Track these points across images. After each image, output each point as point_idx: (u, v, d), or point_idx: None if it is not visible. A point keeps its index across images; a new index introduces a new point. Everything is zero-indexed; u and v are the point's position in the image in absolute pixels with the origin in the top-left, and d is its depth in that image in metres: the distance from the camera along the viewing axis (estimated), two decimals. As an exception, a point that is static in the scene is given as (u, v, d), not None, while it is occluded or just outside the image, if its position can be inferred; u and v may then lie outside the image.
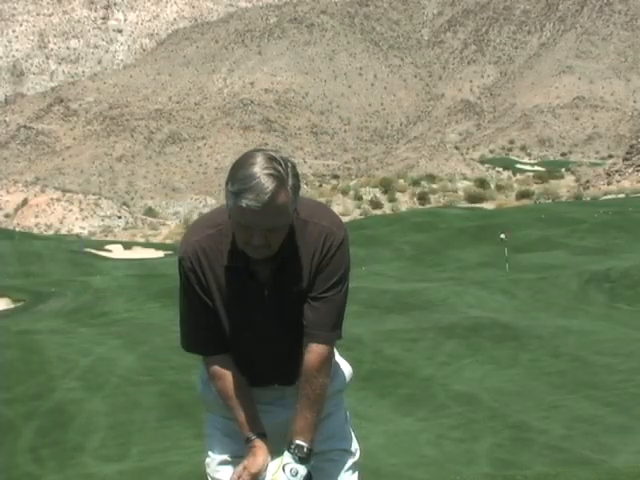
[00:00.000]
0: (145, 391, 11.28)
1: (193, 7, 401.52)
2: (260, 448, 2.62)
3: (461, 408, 9.77)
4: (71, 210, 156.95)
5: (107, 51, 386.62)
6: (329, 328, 2.64)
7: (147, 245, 53.80)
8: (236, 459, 2.71)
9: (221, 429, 2.79)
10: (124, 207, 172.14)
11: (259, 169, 2.41)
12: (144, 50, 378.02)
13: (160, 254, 45.06)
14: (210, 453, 2.81)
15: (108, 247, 48.11)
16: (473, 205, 73.81)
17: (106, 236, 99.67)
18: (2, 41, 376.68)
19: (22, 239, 51.07)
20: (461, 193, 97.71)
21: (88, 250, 45.44)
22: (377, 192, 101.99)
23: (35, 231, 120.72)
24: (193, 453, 8.61)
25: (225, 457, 2.77)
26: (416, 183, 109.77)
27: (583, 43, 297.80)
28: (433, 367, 11.96)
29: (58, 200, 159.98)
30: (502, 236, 26.66)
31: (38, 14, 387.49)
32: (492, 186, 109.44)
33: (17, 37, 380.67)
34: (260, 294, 2.63)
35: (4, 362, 13.23)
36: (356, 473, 2.86)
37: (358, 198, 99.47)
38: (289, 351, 2.67)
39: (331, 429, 2.82)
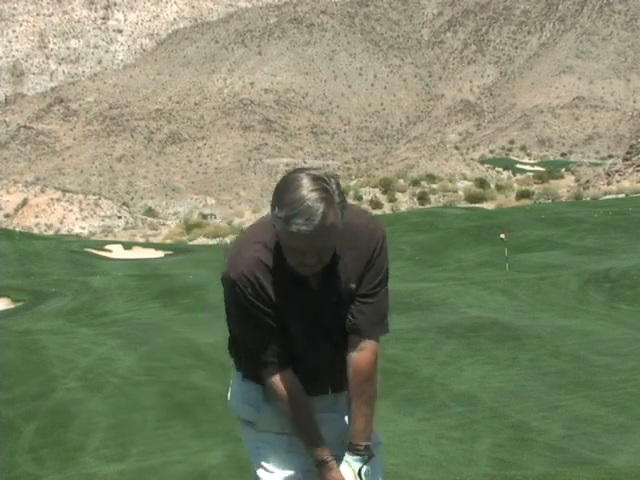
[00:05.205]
0: (145, 391, 11.29)
1: (193, 7, 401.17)
2: (334, 470, 2.63)
3: (461, 408, 9.77)
4: (71, 210, 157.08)
5: (107, 51, 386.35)
6: (378, 324, 2.67)
7: (147, 245, 53.70)
8: (307, 473, 2.72)
9: (276, 445, 2.75)
10: (124, 207, 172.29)
11: (306, 192, 2.37)
12: (144, 50, 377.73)
13: (160, 254, 44.96)
14: (268, 468, 2.75)
15: (108, 247, 47.98)
16: (473, 205, 73.77)
17: (106, 236, 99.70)
18: (2, 41, 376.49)
19: (22, 239, 51.00)
20: (461, 193, 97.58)
21: (88, 250, 45.39)
22: (377, 192, 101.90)
23: (35, 231, 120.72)
24: (193, 453, 8.61)
25: (292, 473, 2.74)
26: (416, 183, 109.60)
27: (583, 43, 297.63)
28: (433, 367, 11.96)
29: (58, 200, 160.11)
30: (502, 236, 26.60)
31: (38, 14, 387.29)
32: (492, 186, 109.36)
33: (17, 37, 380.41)
34: (315, 300, 2.63)
35: (4, 362, 13.24)
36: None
37: (358, 198, 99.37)
38: (340, 356, 2.69)
39: None
